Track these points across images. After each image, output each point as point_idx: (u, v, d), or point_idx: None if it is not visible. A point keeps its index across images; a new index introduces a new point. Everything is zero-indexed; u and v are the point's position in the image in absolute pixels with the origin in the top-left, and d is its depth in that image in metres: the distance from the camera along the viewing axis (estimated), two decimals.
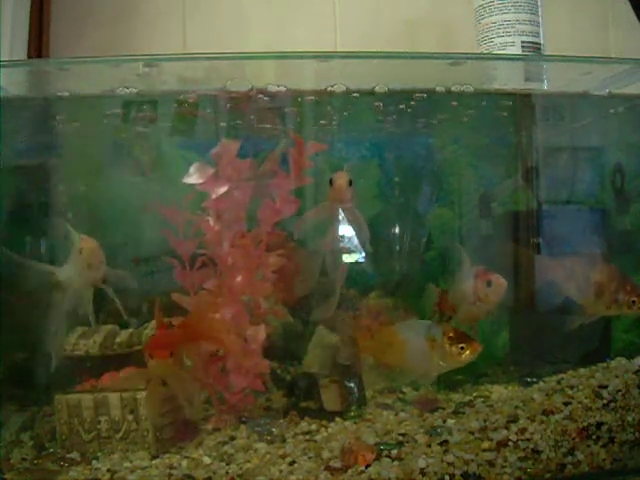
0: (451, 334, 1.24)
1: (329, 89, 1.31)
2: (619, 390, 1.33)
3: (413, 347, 1.27)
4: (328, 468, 1.20)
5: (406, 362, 1.29)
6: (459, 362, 1.24)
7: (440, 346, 1.24)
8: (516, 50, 1.41)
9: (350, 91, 1.34)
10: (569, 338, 1.48)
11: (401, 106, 1.46)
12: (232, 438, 1.33)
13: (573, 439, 1.26)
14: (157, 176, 1.58)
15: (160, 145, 1.58)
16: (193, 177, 1.35)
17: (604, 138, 1.67)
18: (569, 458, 1.24)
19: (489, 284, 1.34)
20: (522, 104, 1.54)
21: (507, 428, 1.28)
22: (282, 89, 1.30)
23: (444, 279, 1.57)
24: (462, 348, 1.23)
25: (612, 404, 1.31)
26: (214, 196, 1.35)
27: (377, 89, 1.33)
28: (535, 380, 1.49)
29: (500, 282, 1.34)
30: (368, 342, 1.33)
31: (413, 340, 1.28)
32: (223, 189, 1.34)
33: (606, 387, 1.35)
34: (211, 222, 1.36)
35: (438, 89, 1.36)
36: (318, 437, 1.33)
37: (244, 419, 1.39)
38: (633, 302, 1.35)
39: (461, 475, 1.19)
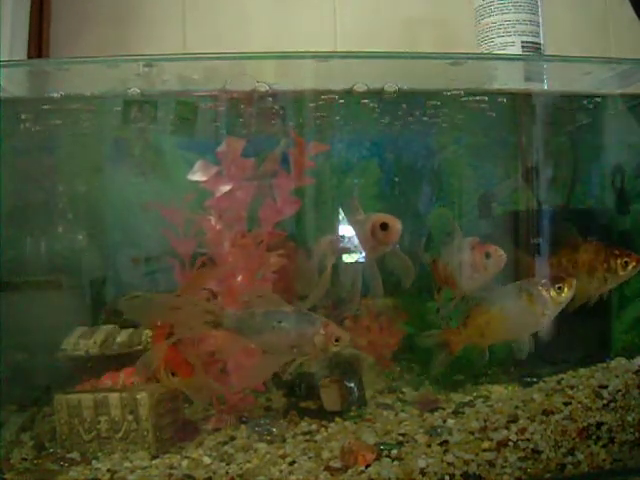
0: (542, 281, 1.25)
1: (355, 88, 1.31)
2: (619, 390, 1.33)
3: (512, 312, 1.28)
4: (328, 468, 1.20)
5: (512, 329, 1.29)
6: (562, 302, 1.25)
7: (538, 296, 1.25)
8: (516, 50, 1.41)
9: (372, 91, 1.33)
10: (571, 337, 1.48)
11: (403, 106, 1.47)
12: (232, 438, 1.34)
13: (573, 439, 1.26)
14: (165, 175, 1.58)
15: (166, 145, 1.59)
16: (197, 175, 1.35)
17: (604, 138, 1.66)
18: (569, 458, 1.24)
19: (488, 256, 1.30)
20: (522, 104, 1.54)
21: (507, 428, 1.28)
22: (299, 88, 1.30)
23: None
24: (559, 288, 1.24)
25: (612, 404, 1.31)
26: (218, 194, 1.35)
27: (386, 88, 1.32)
28: (535, 380, 1.50)
29: (499, 253, 1.30)
30: (461, 335, 1.32)
31: (509, 305, 1.28)
32: (227, 187, 1.34)
33: (606, 387, 1.35)
34: (213, 221, 1.36)
35: (439, 88, 1.37)
36: (318, 437, 1.33)
37: (244, 419, 1.39)
38: (626, 263, 1.34)
39: (461, 475, 1.19)
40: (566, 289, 1.24)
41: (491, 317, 1.29)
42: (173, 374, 1.22)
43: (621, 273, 1.34)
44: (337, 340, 1.19)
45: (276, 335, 1.20)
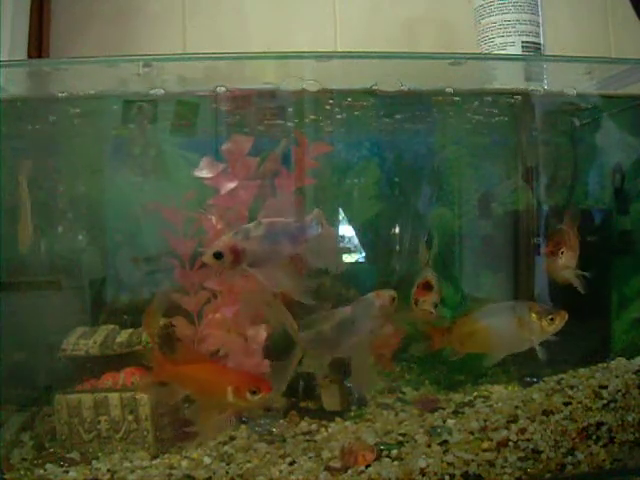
0: (537, 309, 1.26)
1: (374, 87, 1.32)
2: (619, 390, 1.34)
3: (498, 330, 1.29)
4: (328, 468, 1.20)
5: (492, 346, 1.30)
6: (549, 333, 1.26)
7: (529, 322, 1.26)
8: (516, 50, 1.40)
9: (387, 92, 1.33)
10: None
11: (402, 106, 1.47)
12: (232, 438, 1.34)
13: (573, 439, 1.26)
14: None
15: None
16: (203, 172, 1.35)
17: (604, 138, 1.67)
18: (569, 458, 1.24)
19: (416, 303, 1.30)
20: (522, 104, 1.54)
21: (507, 428, 1.28)
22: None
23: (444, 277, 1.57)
24: (552, 319, 1.25)
25: (612, 404, 1.31)
26: (223, 192, 1.35)
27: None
28: (535, 380, 1.50)
29: (425, 307, 1.29)
30: (444, 337, 1.32)
31: (497, 323, 1.29)
32: (232, 185, 1.34)
33: (606, 387, 1.35)
34: (214, 220, 1.36)
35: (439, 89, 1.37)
36: (318, 437, 1.33)
37: (244, 419, 1.39)
38: (552, 252, 1.34)
39: (461, 475, 1.19)
40: (557, 321, 1.25)
41: (477, 330, 1.30)
42: (254, 392, 1.14)
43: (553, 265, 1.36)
44: (394, 300, 1.20)
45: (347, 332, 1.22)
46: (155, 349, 1.24)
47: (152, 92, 1.30)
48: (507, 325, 1.27)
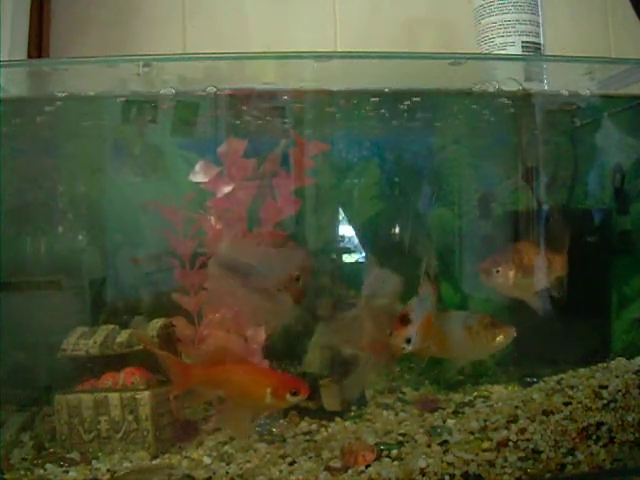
0: (485, 321, 1.26)
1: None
2: (619, 390, 1.33)
3: (453, 337, 1.29)
4: (328, 468, 1.20)
5: (448, 351, 1.31)
6: (494, 347, 1.27)
7: (476, 333, 1.26)
8: (516, 50, 1.41)
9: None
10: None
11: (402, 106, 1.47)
12: (232, 438, 1.33)
13: (573, 439, 1.26)
14: None
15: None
16: (199, 175, 1.35)
17: (604, 138, 1.66)
18: (569, 458, 1.24)
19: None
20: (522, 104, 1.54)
21: (507, 428, 1.28)
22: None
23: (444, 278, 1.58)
24: (496, 334, 1.25)
25: (612, 404, 1.31)
26: (219, 194, 1.36)
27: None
28: (535, 380, 1.50)
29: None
30: None
31: (451, 332, 1.29)
32: (228, 188, 1.35)
33: (606, 387, 1.35)
34: (213, 221, 1.36)
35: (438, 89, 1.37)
36: (318, 437, 1.33)
37: None
38: (485, 269, 1.32)
39: (461, 475, 1.19)
40: (502, 337, 1.26)
41: (435, 335, 1.29)
42: (294, 393, 1.15)
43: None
44: None
45: None
46: (176, 359, 1.24)
47: (162, 92, 1.30)
48: (460, 333, 1.27)
